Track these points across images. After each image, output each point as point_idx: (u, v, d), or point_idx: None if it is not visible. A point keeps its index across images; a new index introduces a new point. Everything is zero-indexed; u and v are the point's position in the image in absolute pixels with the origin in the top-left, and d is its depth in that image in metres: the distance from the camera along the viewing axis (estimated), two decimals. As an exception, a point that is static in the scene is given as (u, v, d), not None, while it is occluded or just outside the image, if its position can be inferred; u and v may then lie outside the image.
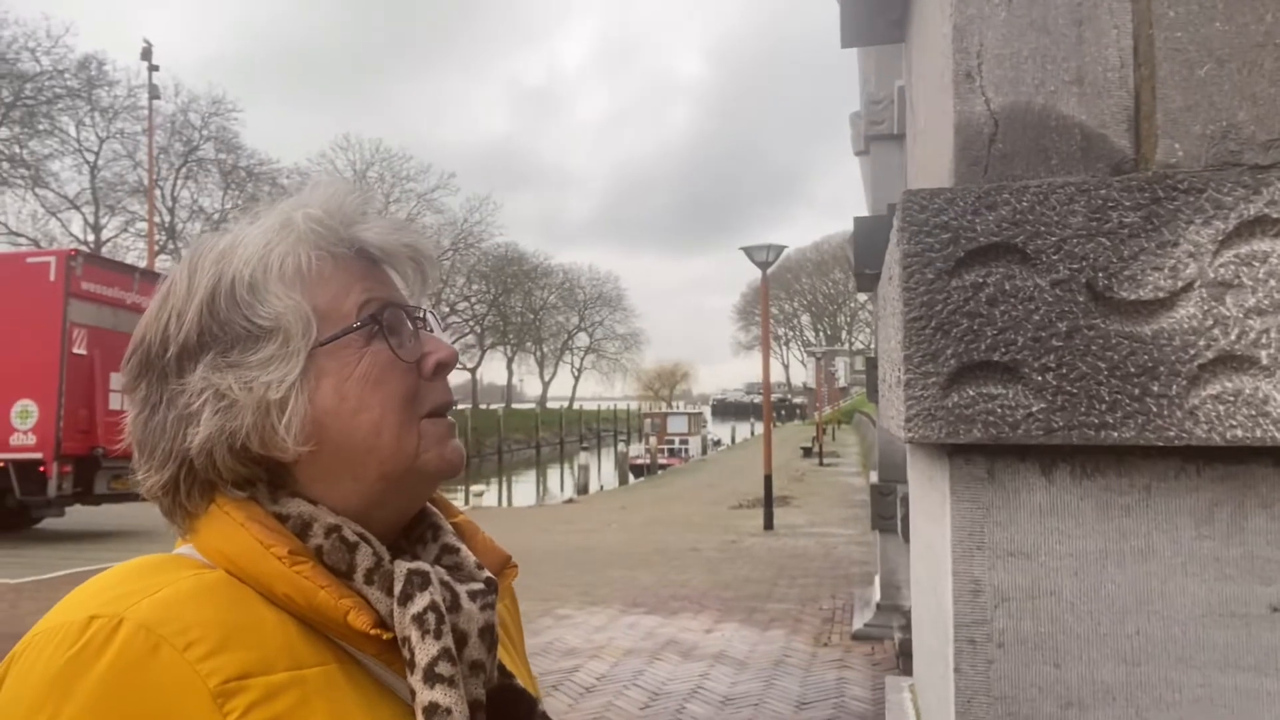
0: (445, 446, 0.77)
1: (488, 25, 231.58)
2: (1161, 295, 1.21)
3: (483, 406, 65.36)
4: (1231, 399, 1.18)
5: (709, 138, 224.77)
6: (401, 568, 0.72)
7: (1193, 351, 1.20)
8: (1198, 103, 1.30)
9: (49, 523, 14.58)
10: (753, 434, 62.66)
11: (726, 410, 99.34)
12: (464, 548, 0.80)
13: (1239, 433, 1.18)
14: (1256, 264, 1.18)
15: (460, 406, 60.12)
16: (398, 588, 0.71)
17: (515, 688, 0.79)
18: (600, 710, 5.43)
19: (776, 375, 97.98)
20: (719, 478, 28.04)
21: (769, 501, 15.11)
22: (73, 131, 36.14)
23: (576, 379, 78.96)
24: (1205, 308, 1.19)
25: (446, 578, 0.74)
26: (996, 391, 1.25)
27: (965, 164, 1.37)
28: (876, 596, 7.30)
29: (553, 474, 43.25)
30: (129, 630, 0.62)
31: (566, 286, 72.83)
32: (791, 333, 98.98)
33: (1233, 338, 1.18)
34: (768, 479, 15.34)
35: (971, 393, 1.25)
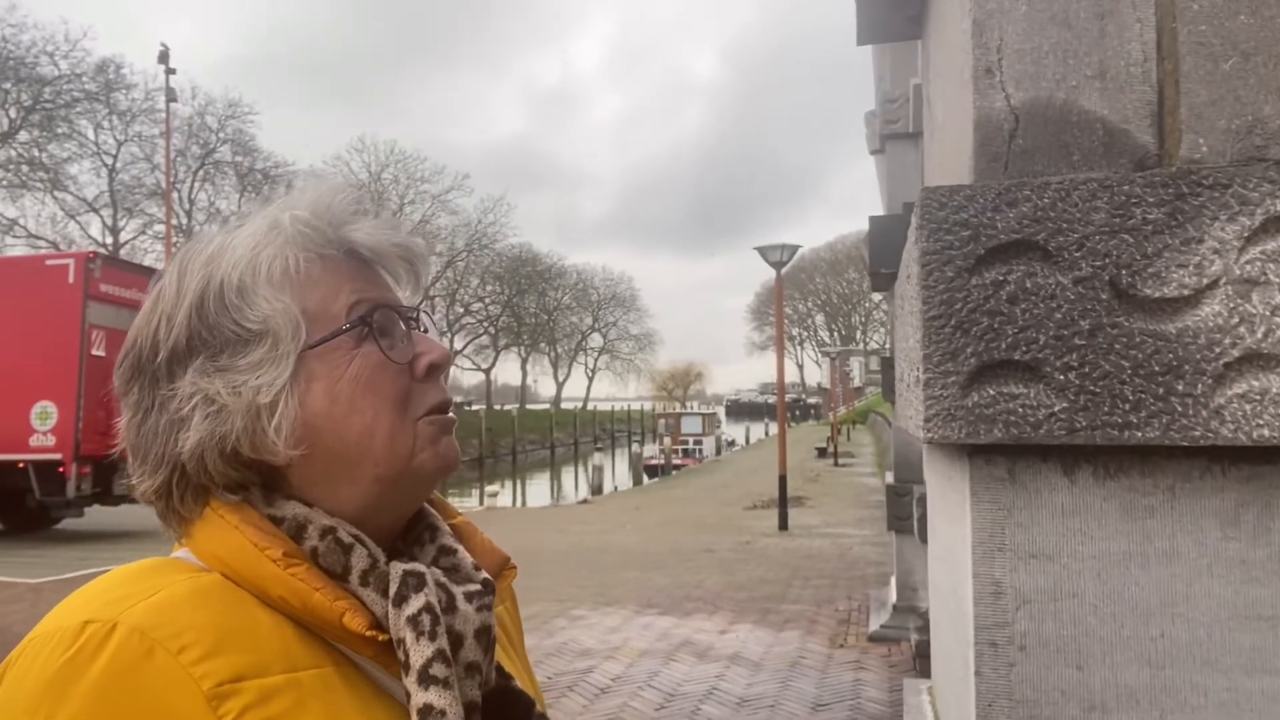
0: (440, 444, 0.77)
1: (503, 26, 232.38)
2: (1186, 293, 1.19)
3: (497, 407, 65.46)
4: (1258, 398, 1.16)
5: (723, 137, 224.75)
6: (397, 569, 0.71)
7: (1218, 350, 1.18)
8: (1222, 97, 1.28)
9: (68, 523, 14.70)
10: (767, 434, 62.56)
11: (741, 410, 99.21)
12: (461, 549, 0.80)
13: (1266, 432, 1.16)
14: (1284, 260, 1.16)
15: (475, 407, 60.40)
16: (393, 589, 0.70)
17: (512, 689, 0.78)
18: (616, 711, 5.42)
19: (791, 375, 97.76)
20: (733, 478, 28.00)
21: (783, 502, 15.06)
22: (91, 135, 36.48)
23: (590, 379, 79.12)
24: (1231, 305, 1.17)
25: (443, 579, 0.74)
26: (1018, 391, 1.23)
27: (985, 160, 1.35)
28: (893, 598, 7.26)
29: (567, 474, 43.29)
30: (123, 634, 0.62)
31: (580, 287, 72.95)
32: (806, 333, 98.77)
33: (1259, 336, 1.16)
34: (782, 479, 15.29)
35: (992, 392, 1.24)
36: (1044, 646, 1.26)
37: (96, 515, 14.30)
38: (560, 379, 74.58)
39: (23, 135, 34.67)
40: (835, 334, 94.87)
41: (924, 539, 6.04)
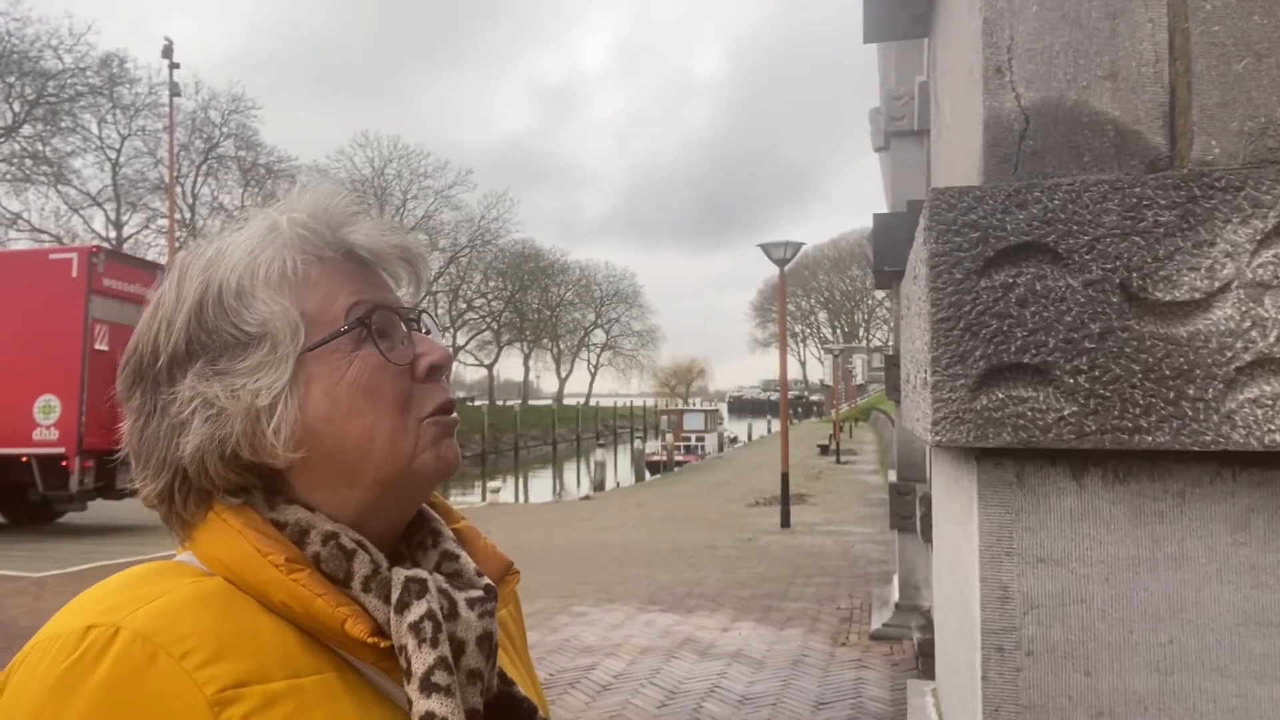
0: (441, 446, 0.76)
1: (508, 24, 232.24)
2: (1198, 296, 1.18)
3: (499, 403, 65.53)
4: (1270, 403, 1.15)
5: (726, 135, 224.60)
6: (399, 575, 0.71)
7: (1230, 354, 1.16)
8: (1235, 98, 1.26)
9: (71, 517, 14.73)
10: (769, 431, 62.57)
11: (743, 407, 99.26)
12: (464, 554, 0.80)
13: (1277, 437, 1.15)
14: (1297, 264, 1.15)
15: (477, 403, 60.41)
16: (395, 596, 0.70)
17: (514, 696, 0.78)
18: (617, 708, 5.42)
19: (793, 372, 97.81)
20: (735, 475, 28.00)
21: (786, 499, 15.07)
22: (95, 129, 36.46)
23: (593, 376, 79.08)
24: (1243, 309, 1.16)
25: (445, 585, 0.74)
26: (1027, 394, 1.22)
27: (994, 161, 1.34)
28: (895, 596, 7.26)
29: (569, 471, 43.31)
30: (125, 639, 0.62)
31: (583, 283, 72.94)
32: (808, 330, 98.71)
33: (1271, 340, 1.15)
34: (784, 476, 15.29)
35: (1001, 395, 1.23)
36: (1051, 651, 1.25)
37: (99, 509, 14.32)
38: (563, 375, 74.64)
39: (26, 129, 34.68)
40: (838, 331, 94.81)
41: (927, 538, 6.04)
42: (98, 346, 13.12)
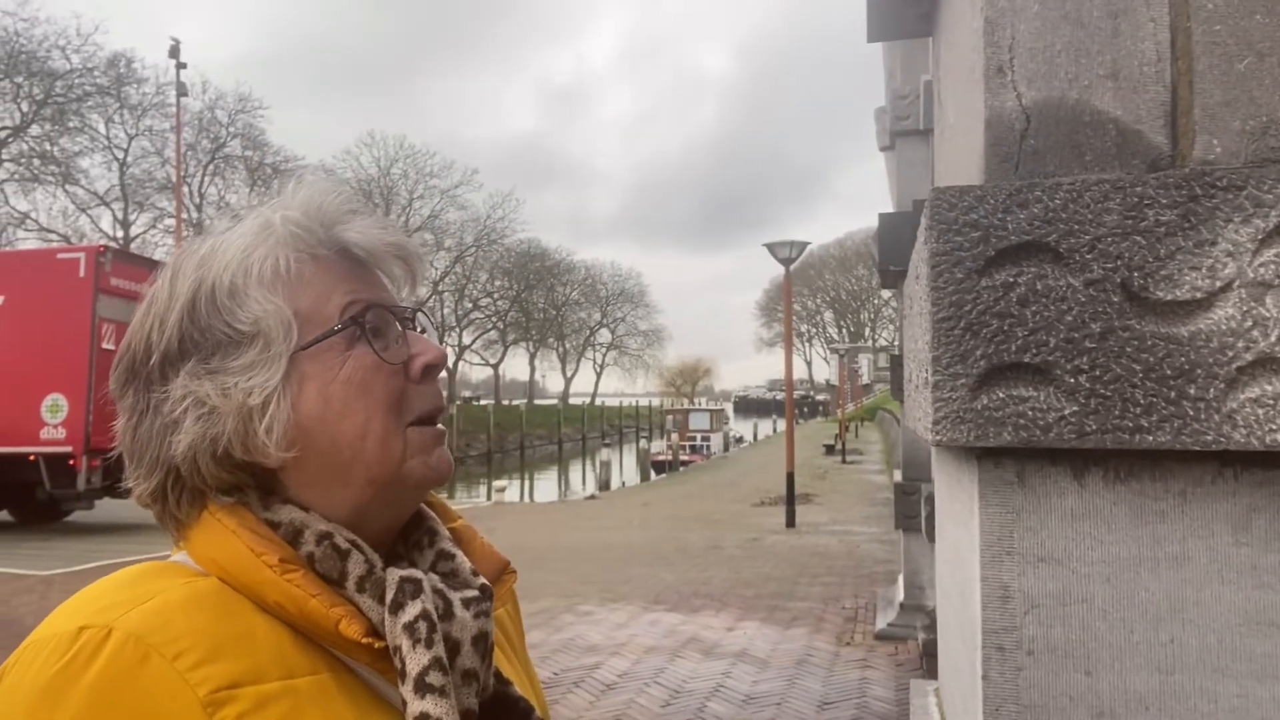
0: (431, 455, 0.75)
1: (516, 23, 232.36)
2: (1199, 296, 1.17)
3: (505, 402, 65.53)
4: (1271, 402, 1.15)
5: (732, 134, 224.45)
6: (393, 575, 0.71)
7: (1231, 354, 1.16)
8: (1237, 98, 1.26)
9: (78, 515, 14.78)
10: (775, 431, 62.47)
11: (749, 407, 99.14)
12: (460, 554, 0.79)
13: (1279, 437, 1.14)
14: (1299, 264, 1.15)
15: (483, 402, 60.43)
16: (389, 596, 0.70)
17: (510, 696, 0.77)
18: (622, 708, 5.42)
19: (799, 372, 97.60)
20: (741, 475, 27.97)
21: (791, 499, 15.04)
22: (102, 129, 36.56)
23: (598, 375, 79.13)
24: (1244, 309, 1.16)
25: (440, 585, 0.73)
26: (1027, 394, 1.22)
27: (996, 160, 1.34)
28: (900, 596, 7.25)
29: (575, 470, 43.31)
30: (118, 640, 0.62)
31: (589, 283, 72.93)
32: (814, 329, 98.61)
33: (1273, 339, 1.15)
34: (790, 476, 15.27)
35: (1001, 395, 1.23)
36: (1052, 651, 1.25)
37: (107, 508, 14.37)
38: (568, 374, 74.66)
39: (34, 129, 34.80)
40: (844, 331, 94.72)
41: (931, 538, 6.02)
42: (105, 346, 13.15)
